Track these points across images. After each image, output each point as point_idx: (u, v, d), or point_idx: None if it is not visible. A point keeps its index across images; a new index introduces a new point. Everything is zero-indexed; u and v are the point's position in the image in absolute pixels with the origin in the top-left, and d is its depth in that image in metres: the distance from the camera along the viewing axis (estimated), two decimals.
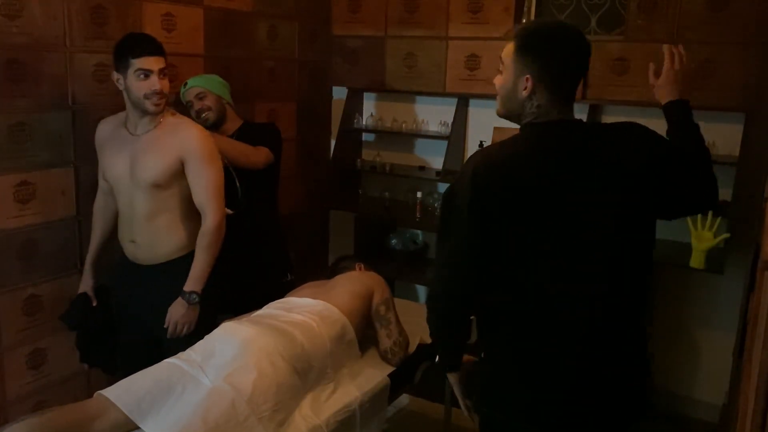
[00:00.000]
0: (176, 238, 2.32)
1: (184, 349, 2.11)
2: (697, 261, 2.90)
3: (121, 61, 2.19)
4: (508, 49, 1.56)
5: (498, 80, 1.60)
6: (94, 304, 2.46)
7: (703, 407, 3.28)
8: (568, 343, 1.50)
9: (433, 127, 3.78)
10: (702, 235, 2.87)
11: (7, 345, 2.36)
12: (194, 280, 2.27)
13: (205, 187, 2.27)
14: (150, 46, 2.20)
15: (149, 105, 2.21)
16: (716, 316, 3.23)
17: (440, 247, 1.62)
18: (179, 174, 2.26)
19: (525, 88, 1.52)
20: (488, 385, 1.63)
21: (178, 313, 2.27)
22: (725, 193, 3.00)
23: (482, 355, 1.64)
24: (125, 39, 2.23)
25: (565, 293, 1.49)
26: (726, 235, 2.85)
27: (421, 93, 3.70)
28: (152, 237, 2.30)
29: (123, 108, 2.34)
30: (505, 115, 1.63)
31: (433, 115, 3.74)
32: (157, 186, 2.24)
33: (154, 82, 2.19)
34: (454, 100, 3.63)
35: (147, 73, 2.18)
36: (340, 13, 3.82)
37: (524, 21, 3.46)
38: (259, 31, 3.36)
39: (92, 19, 2.50)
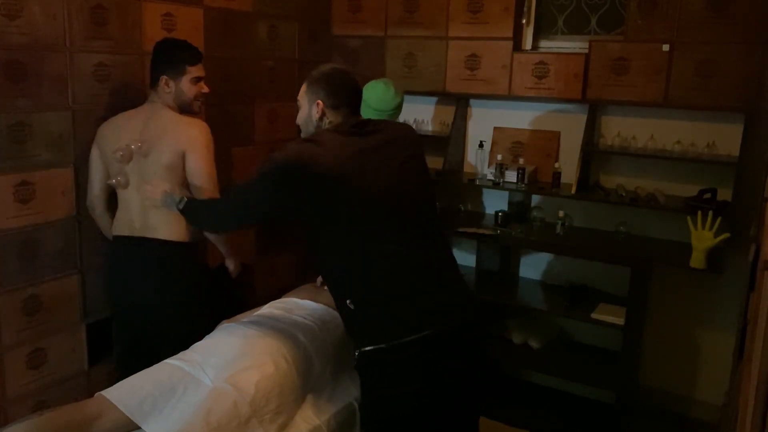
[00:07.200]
0: None
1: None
2: (697, 261, 2.90)
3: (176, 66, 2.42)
4: (302, 89, 1.98)
5: (298, 117, 2.01)
6: None
7: (703, 407, 3.28)
8: None
9: (433, 127, 3.78)
10: (702, 235, 2.87)
11: (7, 345, 2.36)
12: None
13: None
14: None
15: None
16: (716, 316, 3.23)
17: None
18: None
19: (317, 111, 1.94)
20: None
21: None
22: (725, 193, 3.00)
23: None
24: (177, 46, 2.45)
25: None
26: (726, 235, 2.85)
27: (421, 93, 3.70)
28: None
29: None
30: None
31: (433, 115, 3.74)
32: None
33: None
34: (454, 100, 3.63)
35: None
36: (340, 13, 3.82)
37: (524, 21, 3.47)
38: (259, 31, 3.36)
39: (92, 19, 2.50)
